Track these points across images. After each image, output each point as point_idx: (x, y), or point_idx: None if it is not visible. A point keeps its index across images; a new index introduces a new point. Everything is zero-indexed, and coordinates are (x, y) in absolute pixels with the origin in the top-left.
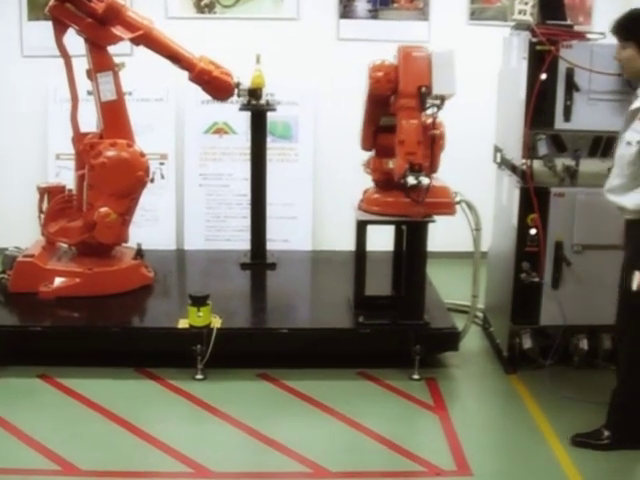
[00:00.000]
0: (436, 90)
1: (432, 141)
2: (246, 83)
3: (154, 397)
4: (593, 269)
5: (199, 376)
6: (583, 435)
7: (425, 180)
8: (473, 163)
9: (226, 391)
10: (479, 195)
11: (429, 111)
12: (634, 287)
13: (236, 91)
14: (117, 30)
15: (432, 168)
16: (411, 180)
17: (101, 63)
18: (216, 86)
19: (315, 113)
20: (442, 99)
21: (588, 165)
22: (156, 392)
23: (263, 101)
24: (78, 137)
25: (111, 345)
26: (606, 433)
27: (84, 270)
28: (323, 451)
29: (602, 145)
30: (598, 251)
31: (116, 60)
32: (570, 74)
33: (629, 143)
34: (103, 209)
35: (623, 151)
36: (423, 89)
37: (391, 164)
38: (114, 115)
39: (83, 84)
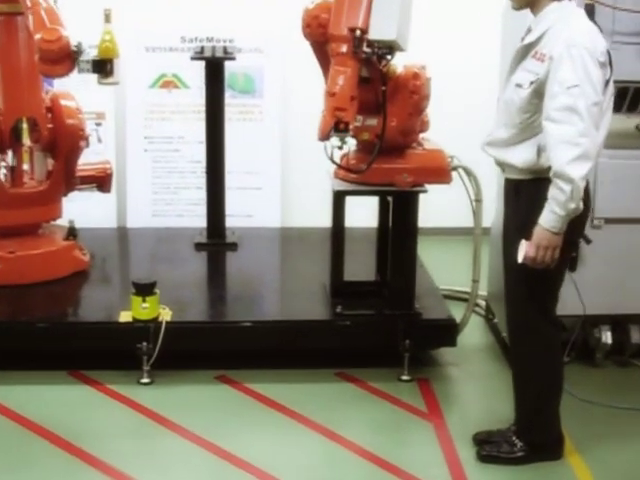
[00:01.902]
0: (371, 34)
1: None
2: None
3: (91, 406)
4: (618, 247)
5: (145, 380)
6: None
7: (350, 141)
8: (472, 120)
9: (178, 397)
10: (479, 159)
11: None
12: (519, 259)
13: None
14: None
15: (421, 127)
16: (335, 141)
17: None
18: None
19: (283, 63)
20: (390, 48)
21: (611, 122)
22: (93, 399)
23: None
24: None
25: (38, 344)
26: None
27: (4, 254)
28: (295, 468)
29: (628, 98)
30: (623, 225)
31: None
32: (590, 11)
33: (519, 85)
34: None
35: (512, 95)
36: (357, 32)
37: (367, 121)
38: None
39: None
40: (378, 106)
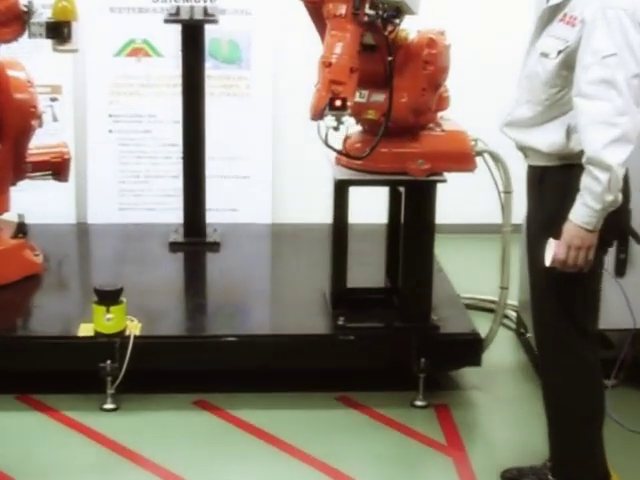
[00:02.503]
0: None
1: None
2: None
3: (44, 436)
4: None
5: (109, 405)
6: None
7: (348, 120)
8: (501, 97)
9: (148, 426)
10: (508, 144)
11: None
12: (547, 262)
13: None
14: None
15: (439, 104)
16: (329, 121)
17: None
18: None
19: (274, 27)
20: (398, 10)
21: None
22: (48, 428)
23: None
24: None
25: None
26: None
27: None
28: None
29: None
30: None
31: None
32: None
33: (545, 55)
34: None
35: (536, 67)
36: None
37: (373, 97)
38: None
39: None
40: (386, 79)
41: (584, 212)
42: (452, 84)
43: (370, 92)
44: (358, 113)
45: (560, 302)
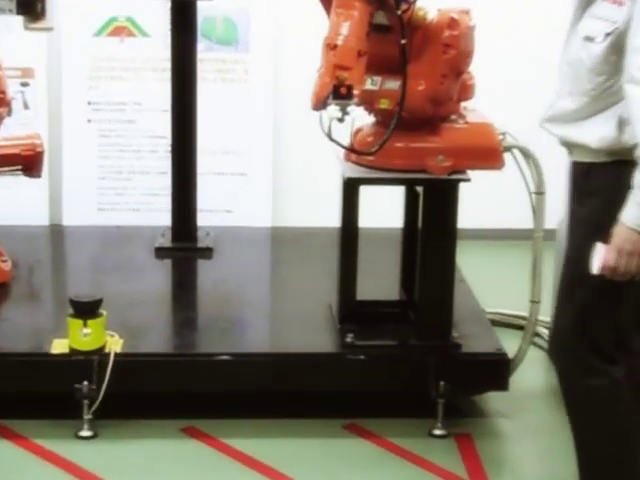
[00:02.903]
0: None
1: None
2: None
3: (12, 467)
4: None
5: (85, 432)
6: None
7: (355, 110)
8: (533, 85)
9: (129, 456)
10: (542, 138)
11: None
12: (595, 269)
13: None
14: None
15: (463, 93)
16: (333, 111)
17: None
18: None
19: (276, 3)
20: None
21: None
22: (15, 458)
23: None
24: None
25: None
26: None
27: None
28: None
29: None
30: None
31: None
32: None
33: (589, 39)
34: None
35: (579, 53)
36: None
37: (386, 84)
38: None
39: None
40: (384, 64)
41: (637, 213)
42: (477, 70)
43: (383, 79)
44: (370, 102)
45: (601, 313)
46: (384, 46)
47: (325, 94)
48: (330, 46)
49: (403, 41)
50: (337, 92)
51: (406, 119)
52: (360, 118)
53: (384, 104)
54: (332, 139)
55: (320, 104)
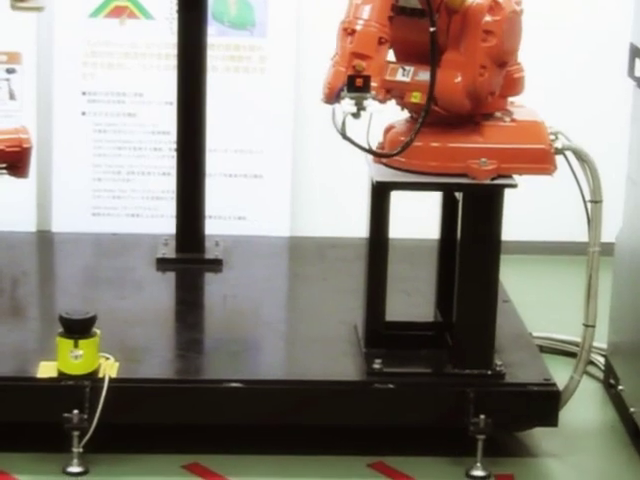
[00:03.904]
0: None
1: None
2: None
3: None
4: None
5: (75, 468)
6: None
7: (372, 105)
8: (589, 78)
9: None
10: (600, 139)
11: None
12: None
13: None
14: None
15: (510, 88)
16: (347, 105)
17: None
18: None
19: None
20: None
21: None
22: None
23: None
24: None
25: None
26: None
27: None
28: None
29: None
30: None
31: None
32: None
33: None
34: None
35: None
36: None
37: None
38: None
39: None
40: (417, 52)
41: None
42: (528, 62)
43: (416, 69)
44: (401, 96)
45: None
46: (417, 32)
47: (340, 85)
48: (347, 31)
49: (432, 29)
50: (352, 84)
51: (443, 116)
52: (379, 114)
53: (416, 98)
54: (346, 137)
55: (333, 96)
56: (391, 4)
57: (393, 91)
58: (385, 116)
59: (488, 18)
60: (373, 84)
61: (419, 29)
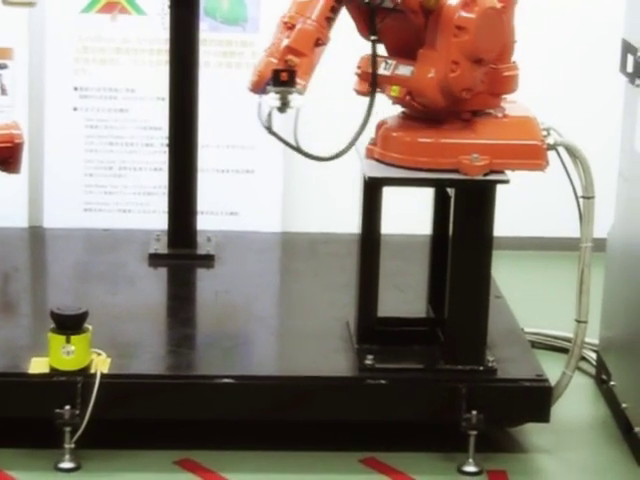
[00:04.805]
0: None
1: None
2: None
3: None
4: None
5: (67, 464)
6: None
7: (297, 100)
8: (581, 74)
9: None
10: (591, 135)
11: None
12: None
13: None
14: None
15: (503, 85)
16: (273, 100)
17: None
18: None
19: None
20: None
21: None
22: None
23: None
24: None
25: None
26: None
27: None
28: None
29: None
30: None
31: None
32: None
33: None
34: None
35: None
36: None
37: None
38: None
39: None
40: (417, 47)
41: None
42: (519, 58)
43: (397, 63)
44: (382, 89)
45: None
46: (398, 28)
47: (268, 75)
48: (287, 25)
49: (373, 37)
50: (277, 78)
51: (433, 112)
52: (302, 109)
53: (394, 92)
54: (272, 132)
55: (260, 87)
56: (331, 6)
57: (378, 85)
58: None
59: (461, 13)
60: (301, 82)
61: (399, 25)
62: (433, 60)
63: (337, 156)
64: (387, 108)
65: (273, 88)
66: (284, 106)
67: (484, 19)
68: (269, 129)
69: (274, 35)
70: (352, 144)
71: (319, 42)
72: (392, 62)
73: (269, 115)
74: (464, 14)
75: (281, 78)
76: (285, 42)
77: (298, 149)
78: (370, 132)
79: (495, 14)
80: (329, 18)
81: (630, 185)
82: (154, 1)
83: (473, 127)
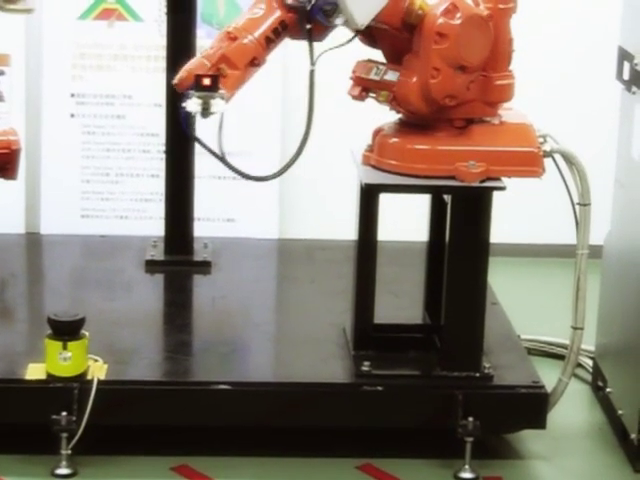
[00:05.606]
0: None
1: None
2: None
3: None
4: None
5: (63, 470)
6: None
7: (218, 106)
8: (577, 81)
9: None
10: (587, 142)
11: None
12: None
13: None
14: None
15: (498, 93)
16: (194, 105)
17: None
18: None
19: None
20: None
21: None
22: None
23: None
24: None
25: None
26: None
27: None
28: None
29: None
30: None
31: None
32: None
33: None
34: None
35: None
36: None
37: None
38: None
39: None
40: (403, 54)
41: None
42: (515, 64)
43: (386, 69)
44: (374, 95)
45: None
46: (393, 35)
47: (190, 80)
48: (230, 36)
49: (312, 68)
50: (200, 83)
51: (411, 118)
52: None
53: (383, 97)
54: (195, 138)
55: (184, 85)
56: (274, 28)
57: (370, 90)
58: (374, 118)
59: (441, 20)
60: (222, 90)
61: (386, 35)
62: (416, 66)
63: (277, 175)
64: (385, 115)
65: (195, 93)
66: (205, 111)
67: (466, 26)
68: (192, 135)
69: (214, 41)
70: (289, 166)
71: (254, 61)
72: (382, 67)
73: (191, 120)
74: (445, 21)
75: (203, 83)
76: (222, 50)
77: (223, 159)
78: (367, 139)
79: (480, 21)
80: (269, 39)
81: (626, 192)
82: (151, 8)
83: (470, 134)
